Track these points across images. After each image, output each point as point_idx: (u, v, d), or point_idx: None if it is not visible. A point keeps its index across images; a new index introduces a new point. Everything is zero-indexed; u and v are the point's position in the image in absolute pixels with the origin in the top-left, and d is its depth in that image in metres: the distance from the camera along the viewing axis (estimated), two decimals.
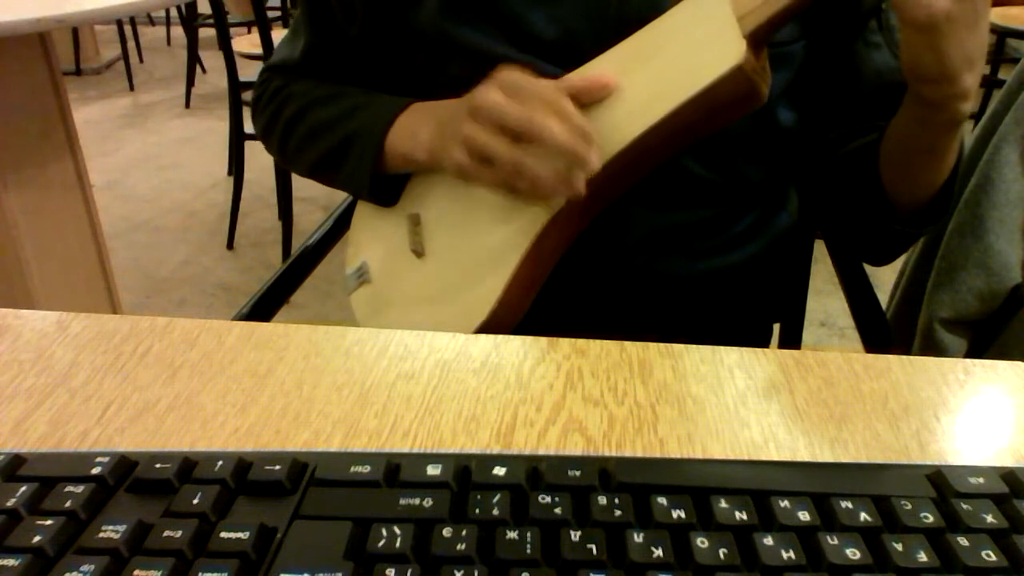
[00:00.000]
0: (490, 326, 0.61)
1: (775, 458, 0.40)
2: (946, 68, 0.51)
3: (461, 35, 0.64)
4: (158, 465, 0.34)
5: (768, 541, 0.31)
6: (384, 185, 0.69)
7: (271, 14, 2.61)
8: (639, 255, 0.68)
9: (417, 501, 0.33)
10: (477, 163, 0.56)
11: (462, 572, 0.30)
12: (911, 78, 0.54)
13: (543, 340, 0.49)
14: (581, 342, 0.49)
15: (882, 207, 0.65)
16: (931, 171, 0.62)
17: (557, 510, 0.33)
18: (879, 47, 0.68)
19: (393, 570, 0.30)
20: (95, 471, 0.34)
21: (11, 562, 0.30)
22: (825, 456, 0.40)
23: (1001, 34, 2.85)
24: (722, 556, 0.31)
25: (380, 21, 0.70)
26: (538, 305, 0.63)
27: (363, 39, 0.71)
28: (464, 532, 0.31)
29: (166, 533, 0.31)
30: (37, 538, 0.31)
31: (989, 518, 0.33)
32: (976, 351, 0.93)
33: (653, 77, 0.54)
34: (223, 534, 0.31)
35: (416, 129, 0.64)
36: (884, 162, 0.64)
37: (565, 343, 0.49)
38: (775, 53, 0.57)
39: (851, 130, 0.69)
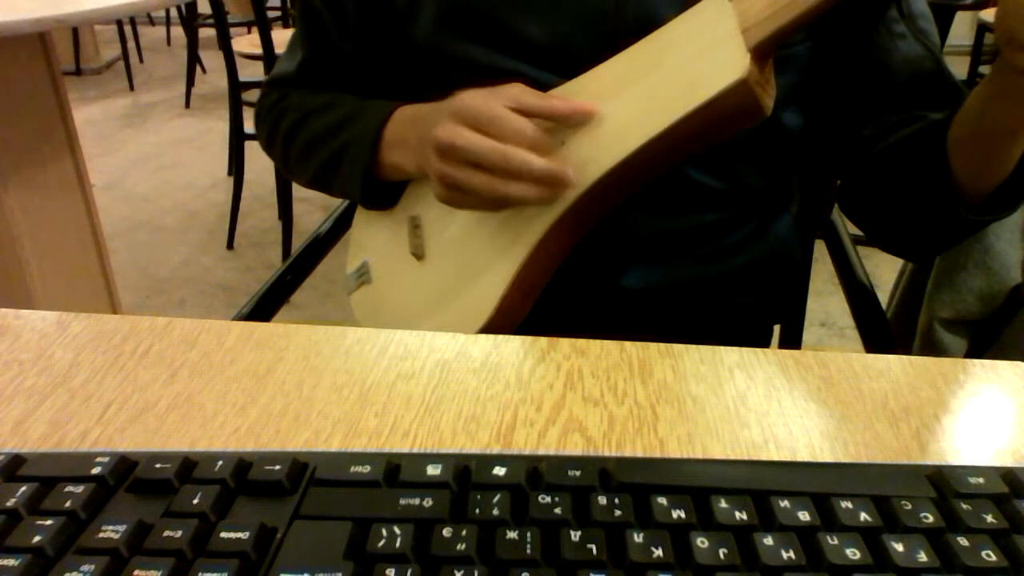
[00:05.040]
0: (489, 331, 0.61)
1: (775, 458, 0.40)
2: None
3: (458, 48, 0.64)
4: (158, 465, 0.34)
5: (768, 541, 0.31)
6: (380, 192, 0.69)
7: (271, 14, 2.62)
8: (640, 260, 0.68)
9: (417, 501, 0.33)
10: (459, 195, 0.58)
11: (462, 572, 0.30)
12: (1010, 48, 0.50)
13: (543, 340, 0.49)
14: (581, 342, 0.49)
15: (946, 197, 0.62)
16: (1008, 153, 0.58)
17: (557, 510, 0.33)
18: (904, 36, 0.66)
19: (393, 570, 0.30)
20: (95, 471, 0.34)
21: (11, 562, 0.30)
22: (825, 456, 0.40)
23: None
24: (722, 556, 0.31)
25: (373, 36, 0.71)
26: (538, 307, 0.63)
27: (357, 53, 0.73)
28: (464, 532, 0.31)
29: (166, 533, 0.31)
30: (37, 538, 0.31)
31: (989, 518, 0.33)
32: (976, 351, 0.93)
33: (655, 88, 0.54)
34: (223, 534, 0.31)
35: (403, 138, 0.65)
36: (954, 149, 0.60)
37: (565, 343, 0.49)
38: (779, 56, 0.56)
39: (888, 125, 0.67)
